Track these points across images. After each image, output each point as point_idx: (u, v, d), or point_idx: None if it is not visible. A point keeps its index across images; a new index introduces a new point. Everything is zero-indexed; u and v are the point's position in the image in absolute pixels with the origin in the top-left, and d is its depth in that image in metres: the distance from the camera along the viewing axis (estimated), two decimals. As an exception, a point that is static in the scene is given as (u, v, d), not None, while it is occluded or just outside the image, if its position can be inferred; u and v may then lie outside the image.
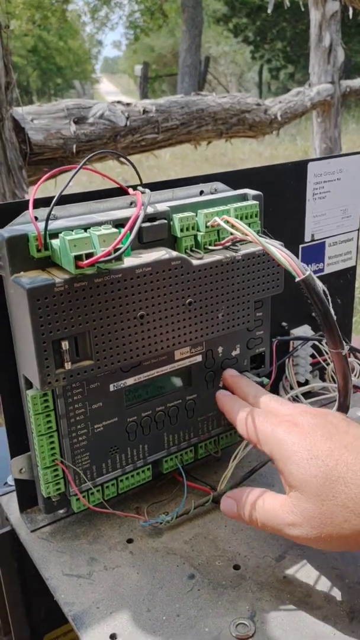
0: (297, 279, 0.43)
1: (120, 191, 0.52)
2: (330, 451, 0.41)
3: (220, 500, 0.49)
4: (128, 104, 1.80)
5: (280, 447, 0.44)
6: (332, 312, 0.44)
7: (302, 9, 3.26)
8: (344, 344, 0.45)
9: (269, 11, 3.22)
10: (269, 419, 0.47)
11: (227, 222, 0.49)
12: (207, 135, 2.22)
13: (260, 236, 0.47)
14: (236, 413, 0.50)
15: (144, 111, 1.78)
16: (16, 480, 0.53)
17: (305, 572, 0.48)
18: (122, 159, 0.54)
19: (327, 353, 0.70)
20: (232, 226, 0.49)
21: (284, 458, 0.43)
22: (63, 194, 0.47)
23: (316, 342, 0.69)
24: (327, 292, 0.45)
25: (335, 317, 0.44)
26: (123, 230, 0.43)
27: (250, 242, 0.51)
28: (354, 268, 0.74)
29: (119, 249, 0.42)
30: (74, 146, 1.53)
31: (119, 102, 1.79)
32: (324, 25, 3.40)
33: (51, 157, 1.51)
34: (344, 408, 0.48)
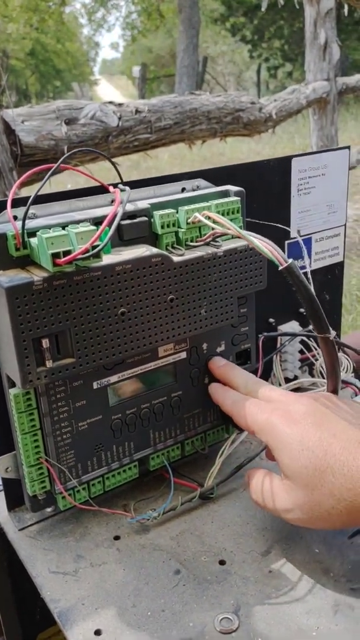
0: (280, 268, 0.44)
1: (102, 189, 0.52)
2: (320, 441, 0.43)
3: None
4: (120, 104, 1.80)
5: (274, 437, 0.46)
6: (316, 297, 0.44)
7: (297, 7, 3.26)
8: (330, 329, 0.45)
9: (263, 9, 3.22)
10: (262, 408, 0.48)
11: (208, 217, 0.49)
12: (201, 135, 2.22)
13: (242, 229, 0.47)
14: (230, 405, 0.52)
15: (137, 111, 1.78)
16: (3, 479, 0.53)
17: (290, 567, 0.48)
18: (108, 159, 0.54)
19: (315, 349, 0.70)
20: (214, 221, 0.49)
21: (278, 448, 0.45)
22: (46, 193, 0.48)
23: (304, 338, 0.69)
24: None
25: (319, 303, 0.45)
26: (100, 227, 0.43)
27: (232, 237, 0.51)
28: (341, 264, 0.74)
29: (97, 246, 0.42)
30: (66, 147, 1.53)
31: (110, 102, 1.79)
32: (319, 22, 3.40)
33: (42, 158, 1.52)
34: (333, 392, 0.49)
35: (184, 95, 2.17)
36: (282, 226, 0.63)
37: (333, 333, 0.47)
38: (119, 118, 1.70)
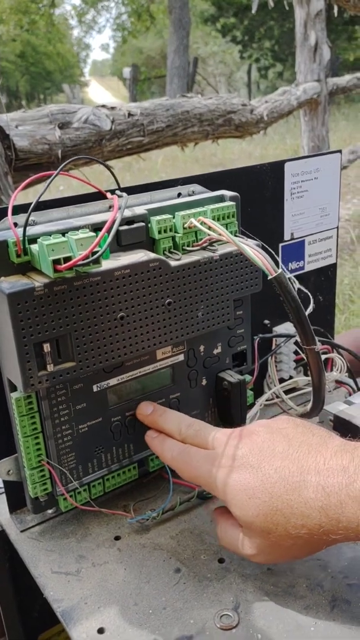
0: (270, 277, 0.44)
1: (100, 196, 0.53)
2: (262, 484, 0.43)
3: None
4: (113, 108, 1.81)
5: (219, 491, 0.45)
6: (304, 309, 0.45)
7: (287, 8, 3.27)
8: (316, 340, 0.46)
9: (254, 11, 3.23)
10: (201, 461, 0.47)
11: (203, 223, 0.50)
12: (193, 137, 2.23)
13: (235, 236, 0.48)
14: (170, 460, 0.50)
15: (129, 114, 1.79)
16: (4, 481, 0.54)
17: (288, 564, 0.49)
18: (106, 167, 0.55)
19: (310, 349, 0.71)
20: (208, 227, 0.50)
21: (227, 501, 0.45)
22: (44, 199, 0.48)
23: (298, 339, 0.70)
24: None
25: (307, 314, 0.46)
26: (100, 234, 0.44)
27: (227, 242, 0.52)
28: (334, 265, 0.75)
29: (97, 252, 0.43)
30: (60, 151, 1.54)
31: (103, 106, 1.80)
32: (309, 23, 3.41)
33: (37, 162, 1.52)
34: (318, 403, 0.49)
35: (176, 98, 2.18)
36: (267, 247, 0.63)
37: (319, 345, 0.48)
38: (112, 121, 1.71)
